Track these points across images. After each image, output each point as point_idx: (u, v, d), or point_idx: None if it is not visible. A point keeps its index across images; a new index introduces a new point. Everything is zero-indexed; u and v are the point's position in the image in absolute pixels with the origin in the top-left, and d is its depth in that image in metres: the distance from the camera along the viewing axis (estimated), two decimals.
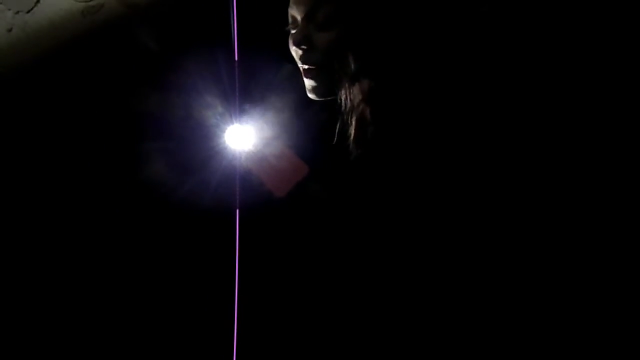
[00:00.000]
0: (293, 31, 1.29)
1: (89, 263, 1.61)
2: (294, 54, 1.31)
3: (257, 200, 1.48)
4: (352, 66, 1.24)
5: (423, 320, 1.38)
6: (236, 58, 1.42)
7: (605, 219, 1.37)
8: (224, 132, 1.50)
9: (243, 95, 1.47)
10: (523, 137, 1.38)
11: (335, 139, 1.39)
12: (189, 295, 1.56)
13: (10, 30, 1.85)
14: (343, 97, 1.29)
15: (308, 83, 1.30)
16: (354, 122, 1.31)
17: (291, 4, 1.28)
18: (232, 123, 1.49)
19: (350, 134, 1.33)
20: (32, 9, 1.83)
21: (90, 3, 1.82)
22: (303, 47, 1.26)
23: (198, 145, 1.52)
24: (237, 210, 1.46)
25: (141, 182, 1.55)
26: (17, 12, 1.83)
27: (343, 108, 1.31)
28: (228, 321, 1.43)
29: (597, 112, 1.41)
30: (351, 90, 1.27)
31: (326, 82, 1.28)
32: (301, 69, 1.31)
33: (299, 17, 1.26)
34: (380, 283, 1.43)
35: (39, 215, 1.67)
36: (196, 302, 1.54)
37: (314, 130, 1.47)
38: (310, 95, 1.32)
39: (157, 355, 1.58)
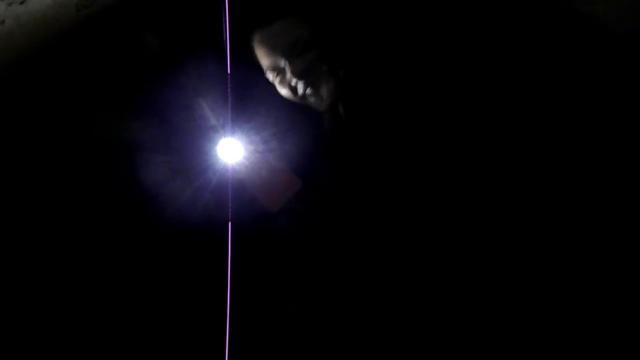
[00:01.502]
0: (279, 78, 1.42)
1: (80, 275, 1.61)
2: (289, 94, 1.43)
3: (249, 214, 1.47)
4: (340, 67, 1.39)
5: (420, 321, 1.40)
6: (228, 70, 1.40)
7: (605, 219, 1.37)
8: (216, 144, 1.48)
9: (235, 107, 1.45)
10: (515, 136, 1.37)
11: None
12: (180, 310, 1.56)
13: (2, 22, 1.81)
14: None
15: (315, 100, 1.42)
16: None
17: (270, 52, 1.39)
18: (224, 135, 1.47)
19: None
20: (25, 0, 1.79)
21: None
22: (304, 76, 1.38)
23: (189, 158, 1.50)
24: (229, 224, 1.45)
25: (130, 195, 1.54)
26: (10, 4, 1.79)
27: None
28: (220, 335, 1.44)
29: (596, 112, 1.39)
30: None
31: (328, 91, 1.41)
32: (305, 96, 1.41)
33: (282, 61, 1.39)
34: (373, 296, 1.44)
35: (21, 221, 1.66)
36: (187, 316, 1.55)
37: (306, 142, 1.46)
38: (323, 108, 1.45)
39: None
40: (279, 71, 1.41)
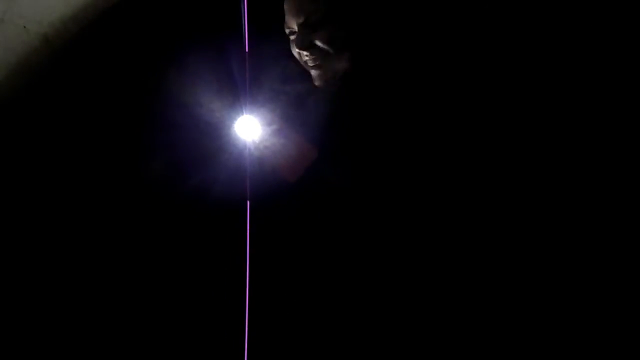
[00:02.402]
0: (292, 37, 1.46)
1: (97, 258, 1.62)
2: (297, 56, 1.48)
3: (268, 191, 1.48)
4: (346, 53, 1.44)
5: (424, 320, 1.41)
6: (247, 49, 1.42)
7: (605, 219, 1.39)
8: (234, 122, 1.50)
9: (253, 86, 1.47)
10: (516, 134, 1.40)
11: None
12: (199, 289, 1.56)
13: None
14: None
15: (315, 74, 1.48)
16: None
17: (287, 16, 1.45)
18: (242, 114, 1.49)
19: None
20: None
21: None
22: (305, 49, 1.44)
23: (207, 136, 1.52)
24: (248, 201, 1.47)
25: (150, 173, 1.55)
26: None
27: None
28: (239, 313, 1.45)
29: (596, 112, 1.42)
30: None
31: (329, 70, 1.46)
32: (307, 64, 1.47)
33: (295, 26, 1.43)
34: (387, 277, 1.45)
35: (40, 213, 1.67)
36: (206, 295, 1.55)
37: (322, 120, 1.48)
38: (319, 84, 1.50)
39: (165, 355, 1.58)
40: (292, 32, 1.46)
